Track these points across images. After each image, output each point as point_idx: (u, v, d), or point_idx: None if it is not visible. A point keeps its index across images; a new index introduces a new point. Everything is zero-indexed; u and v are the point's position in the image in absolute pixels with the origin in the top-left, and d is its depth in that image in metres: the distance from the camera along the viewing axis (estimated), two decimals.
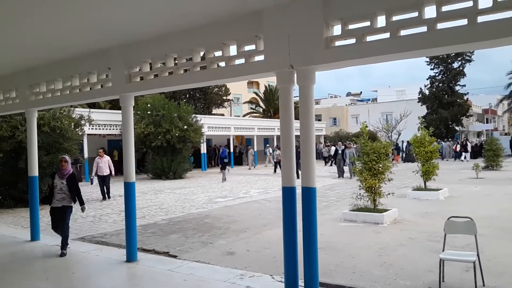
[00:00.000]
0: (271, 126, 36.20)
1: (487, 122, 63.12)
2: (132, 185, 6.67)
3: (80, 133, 14.12)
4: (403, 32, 4.27)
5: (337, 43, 4.66)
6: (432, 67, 41.37)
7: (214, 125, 29.84)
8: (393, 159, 27.40)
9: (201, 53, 5.95)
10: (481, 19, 3.89)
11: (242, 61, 5.36)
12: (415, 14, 4.13)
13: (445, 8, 4.02)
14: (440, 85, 40.72)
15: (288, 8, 4.75)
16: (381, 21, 4.36)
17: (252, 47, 5.23)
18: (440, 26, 4.06)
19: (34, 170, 8.38)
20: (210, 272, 5.80)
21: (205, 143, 28.05)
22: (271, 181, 19.40)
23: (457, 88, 40.74)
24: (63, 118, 12.77)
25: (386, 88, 66.90)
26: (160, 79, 6.29)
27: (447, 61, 40.15)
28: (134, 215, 6.69)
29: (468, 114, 41.84)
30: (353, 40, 4.52)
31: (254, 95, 49.40)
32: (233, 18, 5.25)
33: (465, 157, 32.07)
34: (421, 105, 40.97)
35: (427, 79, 41.95)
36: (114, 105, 27.65)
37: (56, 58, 7.30)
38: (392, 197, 9.70)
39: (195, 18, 5.29)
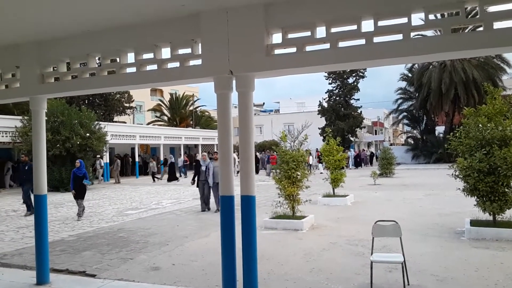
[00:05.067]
0: (178, 135, 35.55)
1: (375, 134, 69.05)
2: (44, 198, 5.97)
3: None
4: (342, 44, 4.42)
5: (277, 51, 4.68)
6: (330, 81, 44.13)
7: (118, 133, 28.38)
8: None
9: (129, 55, 5.55)
10: (414, 35, 4.19)
11: (176, 64, 5.10)
12: (354, 27, 4.29)
13: (381, 23, 4.23)
14: (337, 98, 43.56)
15: (227, 13, 4.65)
16: (321, 31, 4.46)
17: (188, 50, 5.02)
18: (377, 40, 4.26)
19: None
20: None
21: (107, 152, 26.50)
22: (182, 191, 18.92)
23: (352, 101, 43.95)
24: None
25: (288, 100, 69.87)
26: (79, 80, 5.73)
27: (343, 77, 43.16)
28: (46, 231, 5.96)
29: (361, 126, 45.43)
30: (293, 49, 4.57)
31: (158, 103, 48.15)
32: (167, 19, 4.99)
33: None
34: (321, 117, 43.45)
35: (326, 93, 44.62)
36: (1, 109, 24.92)
37: None
38: (305, 204, 10.01)
39: (123, 16, 4.91)
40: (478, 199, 8.28)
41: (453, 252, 7.02)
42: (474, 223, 8.28)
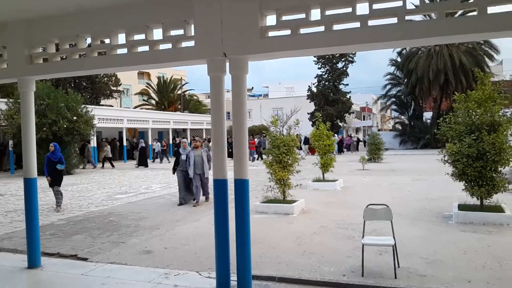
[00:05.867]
0: (166, 119, 35.30)
1: (363, 119, 69.44)
2: (34, 181, 5.89)
3: None
4: (336, 27, 4.39)
5: (271, 34, 4.63)
6: (319, 66, 43.99)
7: (106, 117, 28.07)
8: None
9: (119, 36, 5.44)
10: (409, 18, 4.17)
11: (169, 46, 5.02)
12: (349, 9, 4.26)
13: (376, 6, 4.20)
14: (326, 83, 43.48)
15: None
16: (315, 14, 4.42)
17: (180, 32, 4.94)
18: (372, 23, 4.24)
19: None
20: (131, 273, 5.39)
21: (95, 136, 26.20)
22: (172, 176, 18.82)
23: (341, 86, 43.94)
24: None
25: (277, 85, 69.65)
26: (69, 61, 5.61)
27: (333, 61, 43.00)
28: (37, 215, 5.90)
29: (350, 111, 45.59)
30: (288, 32, 4.52)
31: (145, 86, 47.65)
32: (159, 0, 4.89)
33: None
34: (310, 102, 43.42)
35: (315, 78, 44.50)
36: None
37: None
38: (296, 188, 10.05)
39: None
40: (466, 184, 8.40)
41: (442, 235, 7.14)
42: (462, 207, 8.41)
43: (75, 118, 20.59)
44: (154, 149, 29.66)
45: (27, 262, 5.71)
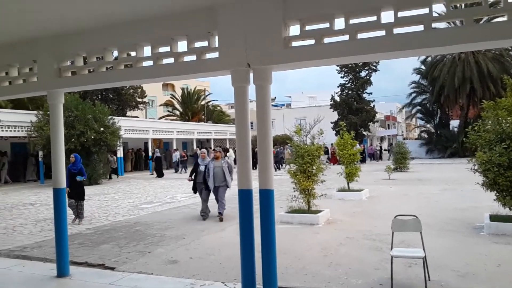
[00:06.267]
0: (191, 130, 35.69)
1: (388, 128, 68.50)
2: (63, 191, 6.01)
3: None
4: (361, 35, 4.35)
5: (295, 44, 4.63)
6: (342, 75, 43.78)
7: (132, 128, 28.56)
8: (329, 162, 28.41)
9: (145, 48, 5.54)
10: (435, 26, 4.10)
11: (193, 58, 5.08)
12: (374, 18, 4.22)
13: (401, 14, 4.15)
14: (350, 92, 43.20)
15: (245, 6, 4.60)
16: (339, 23, 4.40)
17: (204, 43, 4.99)
18: (397, 31, 4.18)
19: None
20: (157, 283, 5.42)
21: (121, 147, 26.70)
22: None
23: (364, 95, 43.56)
24: None
25: (299, 94, 69.56)
26: (97, 74, 5.73)
27: (356, 70, 42.76)
28: (65, 224, 6.03)
29: (374, 120, 45.08)
30: (311, 41, 4.51)
31: (170, 98, 48.36)
32: (184, 12, 4.95)
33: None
34: (333, 111, 43.18)
35: (338, 87, 44.28)
36: (16, 104, 25.26)
37: None
38: (320, 198, 9.95)
39: (139, 9, 4.89)
40: (497, 194, 8.13)
41: (473, 247, 6.92)
42: (494, 218, 8.14)
43: (102, 129, 21.05)
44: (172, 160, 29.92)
45: (56, 271, 5.81)
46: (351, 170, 13.59)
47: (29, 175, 24.25)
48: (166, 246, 7.53)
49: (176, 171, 28.92)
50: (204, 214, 10.23)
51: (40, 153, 22.15)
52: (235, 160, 9.54)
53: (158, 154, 26.40)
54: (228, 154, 29.64)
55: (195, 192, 10.77)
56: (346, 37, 4.36)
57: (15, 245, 7.97)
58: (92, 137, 20.34)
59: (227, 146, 39.30)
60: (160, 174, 25.22)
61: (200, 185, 10.36)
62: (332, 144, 26.19)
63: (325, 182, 10.10)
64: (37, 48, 5.92)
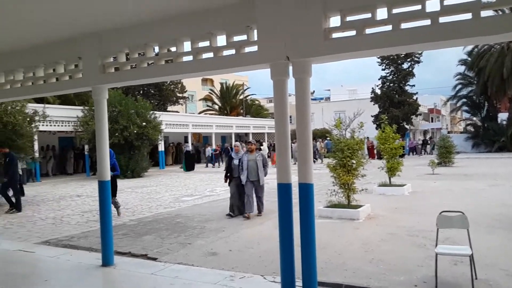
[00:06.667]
0: (229, 124, 36.00)
1: (431, 121, 66.30)
2: (108, 184, 6.21)
3: (34, 130, 13.15)
4: (404, 25, 4.20)
5: (335, 35, 4.53)
6: (383, 67, 42.65)
7: (172, 122, 29.15)
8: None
9: (185, 44, 5.60)
10: (484, 14, 3.89)
11: (232, 52, 5.09)
12: (418, 7, 4.06)
13: (447, 2, 3.97)
14: (391, 85, 42.07)
15: None
16: (382, 13, 4.26)
17: (243, 37, 4.98)
18: (443, 19, 4.01)
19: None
20: (197, 275, 5.50)
21: (163, 141, 27.32)
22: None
23: (407, 88, 42.30)
24: (16, 113, 11.85)
25: (339, 87, 68.53)
26: (139, 70, 5.87)
27: (397, 62, 41.52)
28: (110, 215, 6.23)
29: (417, 113, 43.70)
30: (352, 32, 4.40)
31: (209, 92, 48.92)
32: (222, 6, 4.96)
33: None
34: (374, 104, 42.23)
35: (379, 79, 43.23)
36: (63, 100, 26.35)
37: (16, 46, 6.66)
38: (360, 193, 9.77)
39: (178, 4, 4.94)
40: None
41: None
42: None
43: (144, 123, 21.61)
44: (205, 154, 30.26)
45: (101, 260, 6.03)
46: (392, 165, 13.26)
47: (69, 168, 25.25)
48: (206, 238, 7.64)
49: (207, 165, 29.27)
50: (231, 211, 9.71)
51: (86, 147, 23.03)
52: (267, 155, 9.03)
53: (188, 149, 26.84)
54: (262, 147, 29.69)
55: (225, 181, 10.23)
56: (389, 27, 4.22)
57: (63, 234, 8.34)
58: (135, 131, 20.92)
59: (265, 140, 39.41)
60: (189, 168, 25.56)
61: (234, 181, 9.85)
62: (368, 137, 25.67)
63: (365, 176, 9.90)
64: (82, 45, 6.11)
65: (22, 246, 7.30)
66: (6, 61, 7.06)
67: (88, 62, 6.18)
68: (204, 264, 6.06)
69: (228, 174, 10.06)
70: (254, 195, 9.72)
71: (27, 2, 4.69)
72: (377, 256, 6.22)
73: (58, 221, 9.84)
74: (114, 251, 6.50)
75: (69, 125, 22.41)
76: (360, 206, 9.33)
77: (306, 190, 4.65)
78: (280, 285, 4.76)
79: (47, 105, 19.62)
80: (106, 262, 6.01)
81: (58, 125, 22.02)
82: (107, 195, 6.20)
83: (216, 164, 29.48)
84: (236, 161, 9.89)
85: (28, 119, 12.50)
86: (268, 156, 27.74)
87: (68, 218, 10.19)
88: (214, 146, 31.93)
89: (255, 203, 9.81)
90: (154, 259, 6.42)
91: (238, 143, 10.92)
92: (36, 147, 19.48)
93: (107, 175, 6.22)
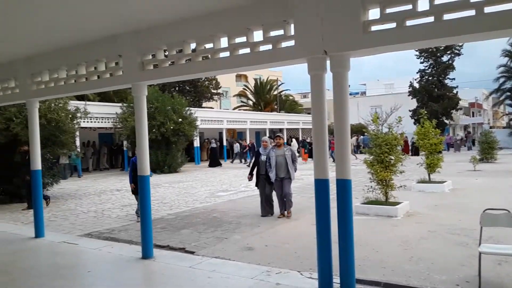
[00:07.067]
0: (263, 119, 36.03)
1: (472, 116, 63.96)
2: (147, 179, 6.35)
3: (76, 126, 13.62)
4: (447, 16, 4.06)
5: (374, 28, 4.43)
6: (421, 60, 41.47)
7: (207, 118, 29.48)
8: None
9: (222, 40, 5.63)
10: None
11: (269, 47, 5.07)
12: None
13: None
14: (430, 78, 40.87)
15: None
16: (423, 4, 4.13)
17: (280, 32, 4.95)
18: (488, 9, 3.84)
19: (37, 163, 7.98)
20: (234, 269, 5.55)
21: (198, 137, 27.68)
22: None
23: (446, 81, 40.99)
24: (59, 110, 12.31)
25: (375, 82, 67.18)
26: (177, 66, 5.95)
27: (437, 55, 40.29)
28: (149, 209, 6.38)
29: (457, 107, 42.29)
30: (392, 25, 4.28)
31: (243, 88, 49.09)
32: (259, 1, 4.95)
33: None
34: (411, 99, 41.17)
35: (417, 73, 42.09)
36: (103, 97, 27.13)
37: (60, 45, 6.90)
38: (399, 189, 9.54)
39: (215, 2, 4.97)
40: None
41: None
42: None
43: (180, 120, 21.96)
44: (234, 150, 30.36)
45: (141, 253, 6.19)
46: (432, 161, 12.88)
47: (101, 164, 25.96)
48: (241, 233, 7.69)
49: (233, 161, 29.42)
50: (267, 211, 9.30)
51: (125, 142, 23.65)
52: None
53: (214, 145, 27.01)
54: (291, 143, 29.48)
55: (250, 179, 9.72)
56: (431, 19, 4.09)
57: (104, 227, 8.62)
58: (172, 127, 21.28)
59: (300, 135, 39.19)
60: (214, 164, 25.65)
61: (263, 180, 9.27)
62: (401, 132, 25.03)
63: (404, 173, 9.67)
64: (122, 43, 6.26)
65: (66, 238, 7.59)
66: (50, 60, 7.34)
67: (127, 59, 6.32)
68: (241, 258, 6.11)
69: (254, 172, 9.54)
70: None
71: (70, 2, 4.84)
72: (417, 254, 6.07)
73: (99, 214, 10.17)
74: (153, 244, 6.65)
75: (108, 122, 23.06)
76: (398, 203, 9.13)
77: (344, 186, 4.60)
78: (317, 281, 4.74)
79: (88, 102, 20.30)
80: (146, 254, 6.17)
81: (98, 122, 22.69)
82: (147, 189, 6.34)
83: (242, 160, 29.56)
84: (263, 157, 9.28)
85: (70, 115, 12.91)
86: (298, 152, 27.54)
87: (108, 212, 10.52)
88: (247, 141, 32.06)
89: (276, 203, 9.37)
90: (192, 252, 6.52)
91: (266, 137, 10.13)
92: (78, 143, 20.24)
93: (147, 170, 6.35)
